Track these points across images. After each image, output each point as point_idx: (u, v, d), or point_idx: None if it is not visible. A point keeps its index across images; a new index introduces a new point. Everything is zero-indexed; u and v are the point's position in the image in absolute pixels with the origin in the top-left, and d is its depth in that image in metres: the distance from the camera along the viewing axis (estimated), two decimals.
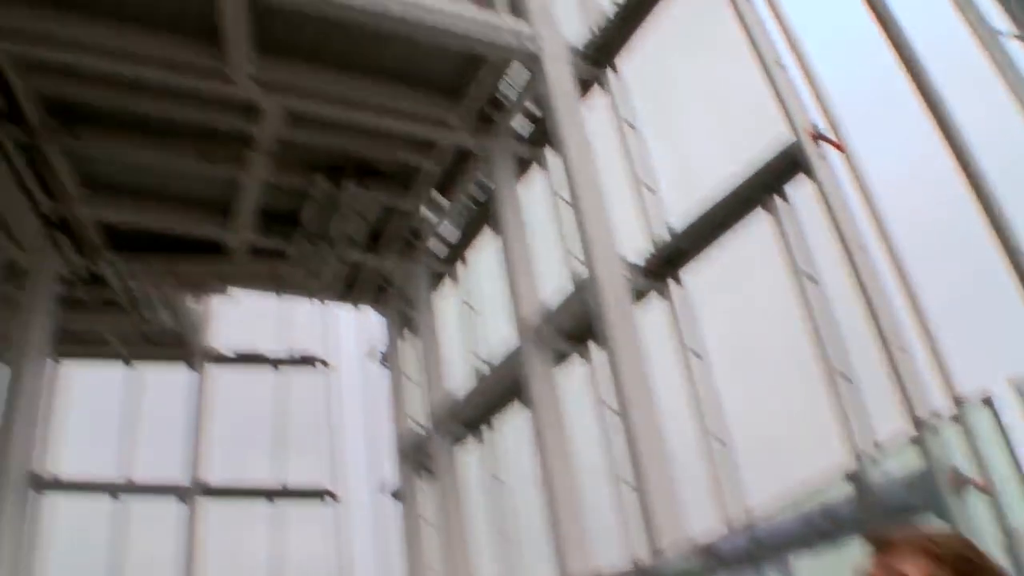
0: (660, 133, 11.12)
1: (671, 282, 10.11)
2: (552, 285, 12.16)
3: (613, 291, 9.65)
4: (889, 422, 6.79)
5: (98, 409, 19.89)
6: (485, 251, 15.59)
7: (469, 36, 11.71)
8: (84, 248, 16.35)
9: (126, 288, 17.68)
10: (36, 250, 15.64)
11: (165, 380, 20.54)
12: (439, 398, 15.57)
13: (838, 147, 7.72)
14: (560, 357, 11.94)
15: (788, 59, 8.55)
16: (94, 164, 14.66)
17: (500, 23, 11.81)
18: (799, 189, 8.39)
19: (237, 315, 21.22)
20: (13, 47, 11.42)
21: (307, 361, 21.35)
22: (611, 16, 11.80)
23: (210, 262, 17.06)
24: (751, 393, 8.91)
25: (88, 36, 11.31)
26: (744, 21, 9.06)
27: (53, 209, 15.24)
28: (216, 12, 10.89)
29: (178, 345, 20.76)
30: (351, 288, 18.36)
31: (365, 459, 19.17)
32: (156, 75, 11.95)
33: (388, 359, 18.39)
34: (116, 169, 14.87)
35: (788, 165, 8.33)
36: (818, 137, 7.85)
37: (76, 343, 19.87)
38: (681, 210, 9.99)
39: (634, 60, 11.83)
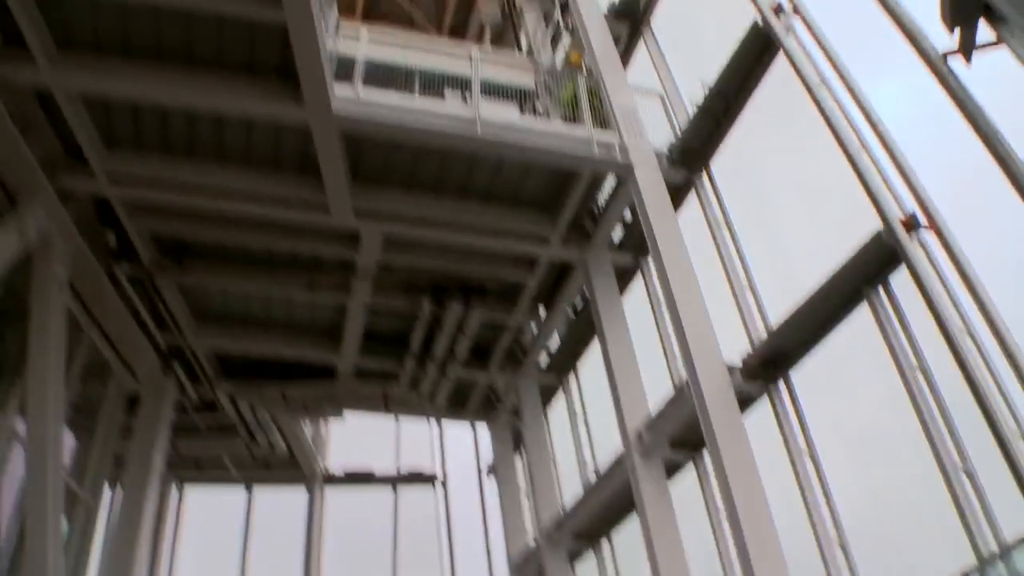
0: (754, 228, 11.02)
1: (775, 382, 9.86)
2: (658, 391, 11.99)
3: (715, 396, 9.45)
4: (1015, 518, 6.41)
5: (216, 530, 20.31)
6: (591, 360, 15.57)
7: (558, 152, 11.91)
8: (198, 376, 16.93)
9: (239, 414, 18.20)
10: (152, 379, 16.25)
11: (281, 500, 20.92)
12: (549, 510, 15.38)
13: (933, 231, 7.51)
14: (670, 464, 11.70)
15: (873, 143, 8.45)
16: (205, 296, 15.36)
17: (588, 137, 11.97)
18: (899, 277, 8.16)
19: (350, 435, 21.60)
20: (124, 191, 12.16)
21: (418, 477, 21.47)
22: (696, 118, 11.88)
23: (320, 385, 17.46)
24: (867, 491, 8.53)
25: (193, 177, 12.02)
26: (823, 109, 9.01)
27: (167, 340, 15.90)
28: (312, 148, 11.38)
29: (292, 467, 21.20)
30: (460, 404, 18.50)
31: (478, 573, 18.96)
32: (259, 210, 12.54)
33: (498, 473, 18.29)
34: (226, 300, 15.55)
35: (884, 255, 8.12)
36: (911, 224, 7.66)
37: (192, 467, 20.51)
38: (780, 307, 9.80)
39: (722, 158, 11.86)
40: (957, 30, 5.85)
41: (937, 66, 6.62)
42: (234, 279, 14.51)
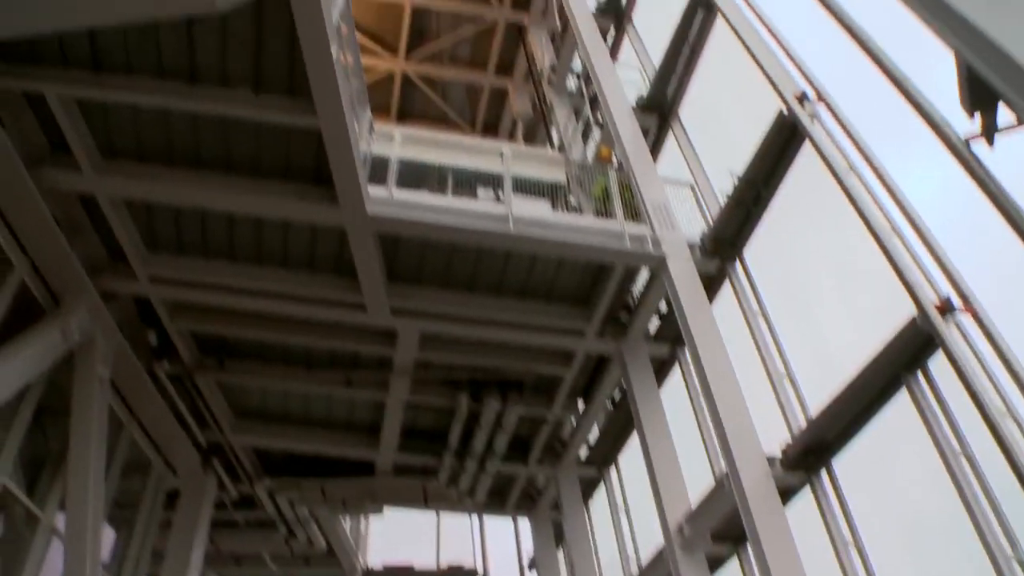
0: (790, 315, 10.97)
1: (817, 472, 9.68)
2: (699, 482, 11.81)
3: (756, 488, 9.26)
4: None
5: None
6: (631, 451, 15.41)
7: (591, 247, 11.97)
8: (237, 473, 16.96)
9: (278, 510, 18.16)
10: (191, 476, 16.29)
11: None
12: None
13: (969, 313, 7.44)
14: (713, 558, 11.45)
15: (904, 227, 8.44)
16: (244, 394, 15.49)
17: (620, 231, 12.06)
18: (937, 361, 8.06)
19: (390, 528, 21.41)
20: (165, 292, 12.45)
21: (459, 572, 21.14)
22: (727, 207, 11.94)
23: (359, 482, 17.39)
24: None
25: (233, 279, 12.28)
26: (851, 195, 9.03)
27: (207, 437, 16.02)
28: (348, 248, 11.58)
29: (331, 562, 21.03)
30: (500, 499, 18.34)
31: None
32: (297, 310, 12.75)
33: (540, 566, 17.99)
34: (265, 397, 15.69)
35: (921, 340, 8.04)
36: (946, 308, 7.59)
37: (231, 563, 20.41)
38: (819, 395, 9.69)
39: (754, 246, 11.89)
40: (978, 115, 5.88)
41: (960, 151, 6.65)
42: (273, 377, 14.64)
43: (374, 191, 11.28)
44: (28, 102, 10.01)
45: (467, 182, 12.91)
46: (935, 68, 6.34)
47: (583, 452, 17.03)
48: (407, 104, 22.39)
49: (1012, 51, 3.62)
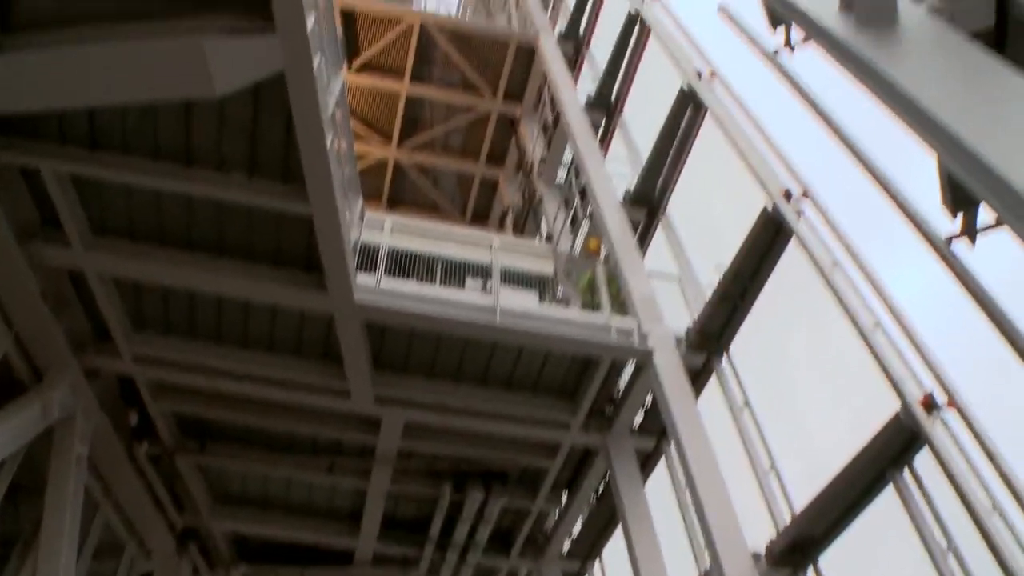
0: (775, 410, 10.96)
1: (803, 569, 9.56)
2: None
3: None
4: None
5: None
6: (615, 545, 15.19)
7: (577, 341, 11.97)
8: (213, 558, 16.63)
9: None
10: (166, 559, 15.94)
11: None
12: None
13: (954, 409, 7.46)
14: None
15: (889, 324, 8.51)
16: (224, 477, 15.31)
17: (607, 324, 12.08)
18: (923, 457, 8.04)
19: None
20: (149, 372, 12.40)
21: None
22: (712, 302, 12.03)
23: (338, 571, 17.06)
24: None
25: (218, 361, 12.25)
26: (836, 291, 9.14)
27: (184, 520, 15.75)
28: (334, 335, 11.58)
29: None
30: None
31: None
32: (281, 395, 12.69)
33: None
34: (245, 482, 15.50)
35: (906, 436, 8.04)
36: (931, 404, 7.62)
37: None
38: (805, 490, 9.63)
39: (740, 340, 11.94)
40: (960, 215, 5.99)
41: (942, 250, 6.75)
42: (255, 462, 14.48)
43: (363, 279, 11.33)
44: (23, 176, 10.11)
45: (456, 272, 12.98)
46: (919, 168, 6.48)
47: (566, 545, 16.78)
48: (398, 191, 22.63)
49: (989, 159, 3.73)
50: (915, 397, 7.83)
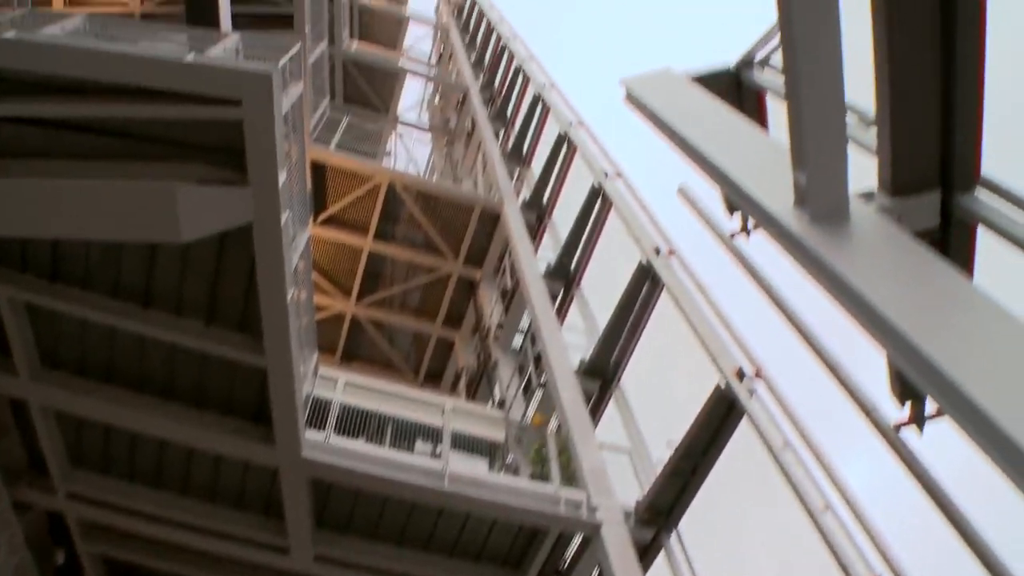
0: None
1: None
2: None
3: None
4: None
5: None
6: None
7: (525, 510, 11.83)
8: None
9: None
10: None
11: None
12: None
13: None
14: None
15: (839, 506, 8.53)
16: None
17: (556, 495, 11.95)
18: None
19: None
20: (82, 511, 11.96)
21: None
22: (663, 477, 11.97)
23: None
24: None
25: (155, 507, 11.95)
26: (787, 472, 9.17)
27: None
28: (278, 489, 11.33)
29: None
30: None
31: None
32: (218, 546, 12.29)
33: None
34: None
35: None
36: None
37: None
38: None
39: (691, 516, 11.81)
40: (908, 404, 6.11)
41: (891, 437, 6.85)
42: None
43: (312, 435, 11.20)
44: None
45: (406, 433, 12.87)
46: (869, 355, 6.64)
47: None
48: (354, 346, 22.61)
49: (931, 356, 3.87)
50: None
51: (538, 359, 16.08)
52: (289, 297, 9.22)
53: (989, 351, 3.83)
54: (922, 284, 4.25)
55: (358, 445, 11.73)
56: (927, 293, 4.20)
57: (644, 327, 14.47)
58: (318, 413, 11.86)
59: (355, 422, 12.36)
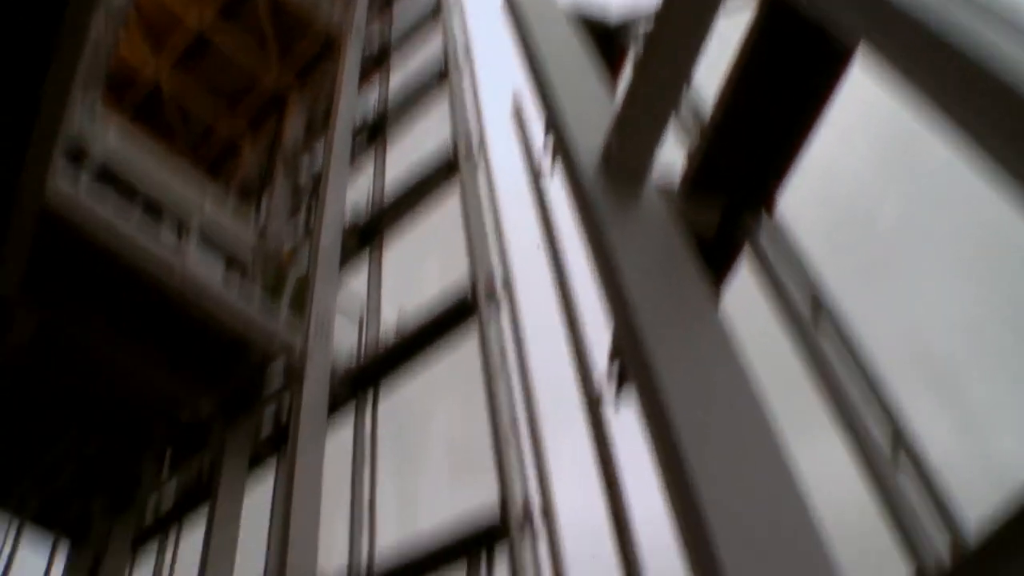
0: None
1: None
2: None
3: None
4: None
5: None
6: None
7: (245, 314, 11.97)
8: None
9: None
10: None
11: None
12: None
13: None
14: None
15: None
16: None
17: (280, 316, 12.20)
18: None
19: None
20: None
21: None
22: (382, 349, 12.24)
23: None
24: None
25: None
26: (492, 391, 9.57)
27: None
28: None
29: None
30: None
31: None
32: None
33: None
34: None
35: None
36: None
37: None
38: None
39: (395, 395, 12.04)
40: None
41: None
42: None
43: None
44: None
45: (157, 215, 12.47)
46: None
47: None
48: (146, 112, 21.43)
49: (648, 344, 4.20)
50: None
51: (316, 186, 15.84)
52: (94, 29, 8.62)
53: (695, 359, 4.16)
54: (668, 279, 4.56)
55: (107, 211, 11.23)
56: (667, 290, 4.50)
57: (423, 202, 14.24)
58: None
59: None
